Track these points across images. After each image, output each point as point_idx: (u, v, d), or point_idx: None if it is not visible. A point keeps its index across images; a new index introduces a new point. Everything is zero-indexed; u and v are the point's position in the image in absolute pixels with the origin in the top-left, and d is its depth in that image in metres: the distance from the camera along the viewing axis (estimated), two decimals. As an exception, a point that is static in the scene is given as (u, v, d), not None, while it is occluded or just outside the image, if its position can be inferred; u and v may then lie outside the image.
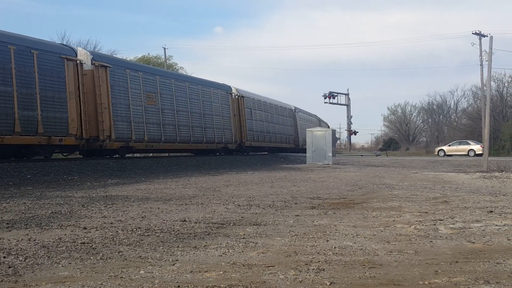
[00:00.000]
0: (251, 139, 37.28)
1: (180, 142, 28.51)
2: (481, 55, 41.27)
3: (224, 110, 33.78)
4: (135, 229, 7.08)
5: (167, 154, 33.88)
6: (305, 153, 33.54)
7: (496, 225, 7.68)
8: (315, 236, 6.75)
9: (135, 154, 30.44)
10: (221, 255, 5.58)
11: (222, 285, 4.39)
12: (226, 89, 35.31)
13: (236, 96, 35.91)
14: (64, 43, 33.06)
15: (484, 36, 48.50)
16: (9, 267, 4.93)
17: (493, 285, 4.43)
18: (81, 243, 6.11)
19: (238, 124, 35.66)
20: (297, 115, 48.92)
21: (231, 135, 34.51)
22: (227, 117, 34.14)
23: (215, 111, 32.49)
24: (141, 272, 4.83)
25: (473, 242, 6.41)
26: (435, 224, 7.73)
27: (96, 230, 7.04)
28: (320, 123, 57.22)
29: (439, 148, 55.10)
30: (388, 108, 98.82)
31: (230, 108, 34.68)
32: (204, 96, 31.44)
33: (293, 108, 48.63)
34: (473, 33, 50.65)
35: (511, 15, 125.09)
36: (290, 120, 47.25)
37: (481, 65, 41.09)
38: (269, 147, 41.30)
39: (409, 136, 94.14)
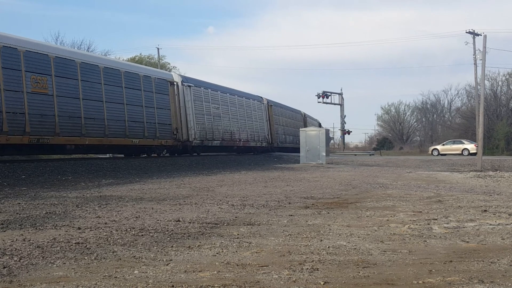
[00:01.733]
0: None
1: None
2: (474, 54, 41.40)
3: None
4: (129, 229, 7.07)
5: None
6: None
7: (490, 225, 7.71)
8: (309, 235, 6.75)
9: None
10: (215, 255, 5.58)
11: (216, 285, 4.39)
12: None
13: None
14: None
15: (477, 35, 48.64)
16: (4, 267, 4.92)
17: (487, 285, 4.44)
18: (75, 243, 6.10)
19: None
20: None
21: None
22: None
23: None
24: (135, 272, 4.83)
25: (467, 242, 6.43)
26: (429, 224, 7.75)
27: (91, 230, 7.03)
28: (306, 118, 55.23)
29: (433, 148, 55.06)
30: (381, 108, 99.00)
31: None
32: None
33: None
34: (466, 32, 50.76)
35: (505, 13, 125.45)
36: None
37: (475, 64, 41.18)
38: None
39: (403, 135, 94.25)
